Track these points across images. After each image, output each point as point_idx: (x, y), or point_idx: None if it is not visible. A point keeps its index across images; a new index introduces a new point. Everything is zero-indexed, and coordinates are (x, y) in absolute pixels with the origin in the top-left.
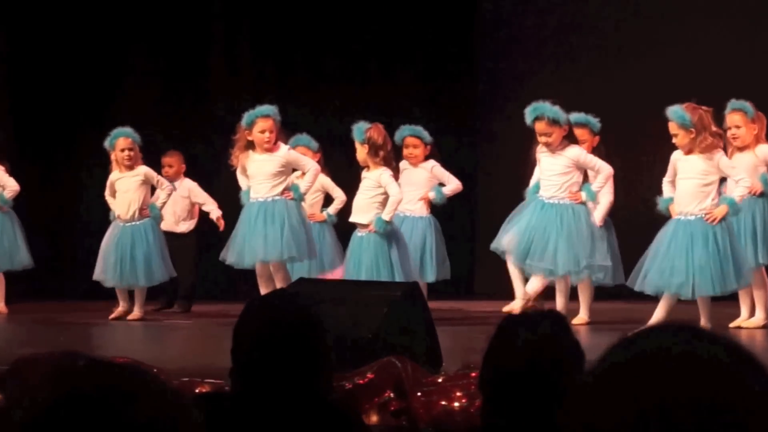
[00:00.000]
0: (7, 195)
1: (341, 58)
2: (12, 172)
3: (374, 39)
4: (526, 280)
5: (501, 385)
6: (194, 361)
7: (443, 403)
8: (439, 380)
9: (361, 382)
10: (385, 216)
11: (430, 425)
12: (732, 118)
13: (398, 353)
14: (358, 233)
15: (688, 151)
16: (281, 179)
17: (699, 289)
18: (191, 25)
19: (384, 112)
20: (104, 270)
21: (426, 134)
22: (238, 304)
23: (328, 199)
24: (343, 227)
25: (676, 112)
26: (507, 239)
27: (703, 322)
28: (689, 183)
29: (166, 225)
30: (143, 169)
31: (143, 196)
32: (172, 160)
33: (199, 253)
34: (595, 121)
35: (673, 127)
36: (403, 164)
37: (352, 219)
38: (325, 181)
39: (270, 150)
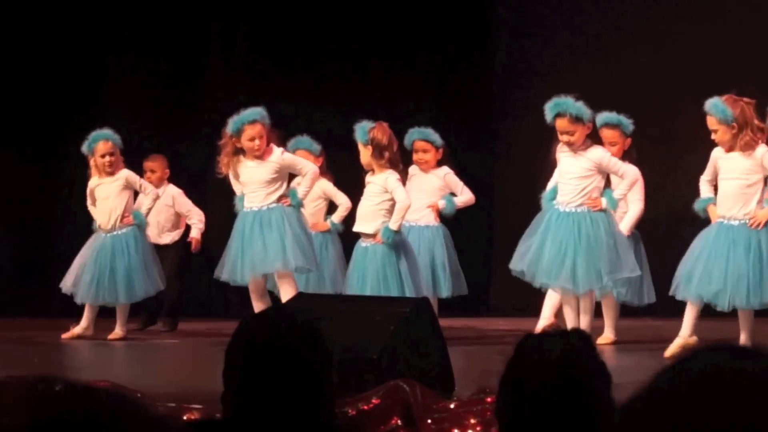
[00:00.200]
0: None
1: (343, 53)
2: None
3: (378, 35)
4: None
5: (519, 411)
6: (182, 384)
7: (456, 431)
8: (452, 406)
9: (365, 408)
10: (393, 225)
11: None
12: None
13: (407, 376)
14: (363, 243)
15: (729, 149)
16: (276, 186)
17: (733, 301)
18: (183, 19)
19: (390, 112)
20: (76, 282)
21: (437, 137)
22: (230, 321)
23: (332, 207)
24: (347, 237)
25: (716, 105)
26: (523, 258)
27: (744, 339)
28: (731, 184)
29: (149, 236)
30: (124, 173)
31: (125, 203)
32: (155, 165)
33: (185, 265)
34: (627, 122)
35: (712, 122)
36: (413, 169)
37: (357, 228)
38: (327, 187)
39: (262, 157)
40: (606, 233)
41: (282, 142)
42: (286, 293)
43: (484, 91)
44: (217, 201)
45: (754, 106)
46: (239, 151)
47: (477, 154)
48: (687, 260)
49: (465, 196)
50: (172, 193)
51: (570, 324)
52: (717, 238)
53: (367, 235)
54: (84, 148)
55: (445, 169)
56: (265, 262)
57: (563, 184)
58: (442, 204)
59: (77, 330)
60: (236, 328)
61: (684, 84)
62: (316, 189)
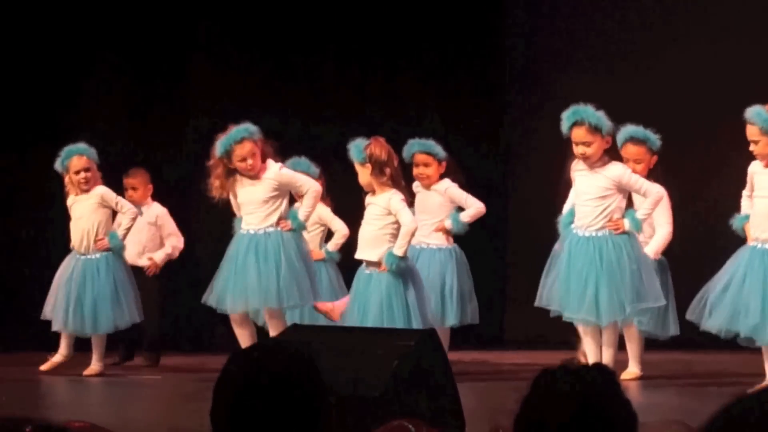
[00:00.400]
0: None
1: (343, 53)
2: None
3: (380, 37)
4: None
5: None
6: (165, 424)
7: None
8: None
9: None
10: (398, 250)
11: None
12: None
13: (411, 415)
14: (366, 271)
15: None
16: (276, 205)
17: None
18: (167, 21)
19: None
20: (54, 309)
21: (439, 149)
22: (218, 356)
23: (330, 234)
24: (347, 264)
25: (759, 114)
26: (550, 293)
27: None
28: (767, 203)
29: (129, 257)
30: (99, 190)
31: (99, 223)
32: (136, 181)
33: (167, 292)
34: (654, 138)
35: (753, 133)
36: (416, 186)
37: (359, 255)
38: (323, 212)
39: (257, 175)
40: (629, 258)
41: (279, 154)
42: (274, 329)
43: (497, 96)
44: (205, 219)
45: None
46: (233, 172)
47: (488, 164)
48: (716, 286)
49: (473, 209)
50: (157, 212)
51: (592, 358)
52: (751, 264)
53: (371, 263)
54: (57, 166)
55: (447, 183)
56: (256, 298)
57: (580, 206)
58: (448, 224)
59: (56, 358)
60: (225, 362)
61: (713, 92)
62: (313, 214)
